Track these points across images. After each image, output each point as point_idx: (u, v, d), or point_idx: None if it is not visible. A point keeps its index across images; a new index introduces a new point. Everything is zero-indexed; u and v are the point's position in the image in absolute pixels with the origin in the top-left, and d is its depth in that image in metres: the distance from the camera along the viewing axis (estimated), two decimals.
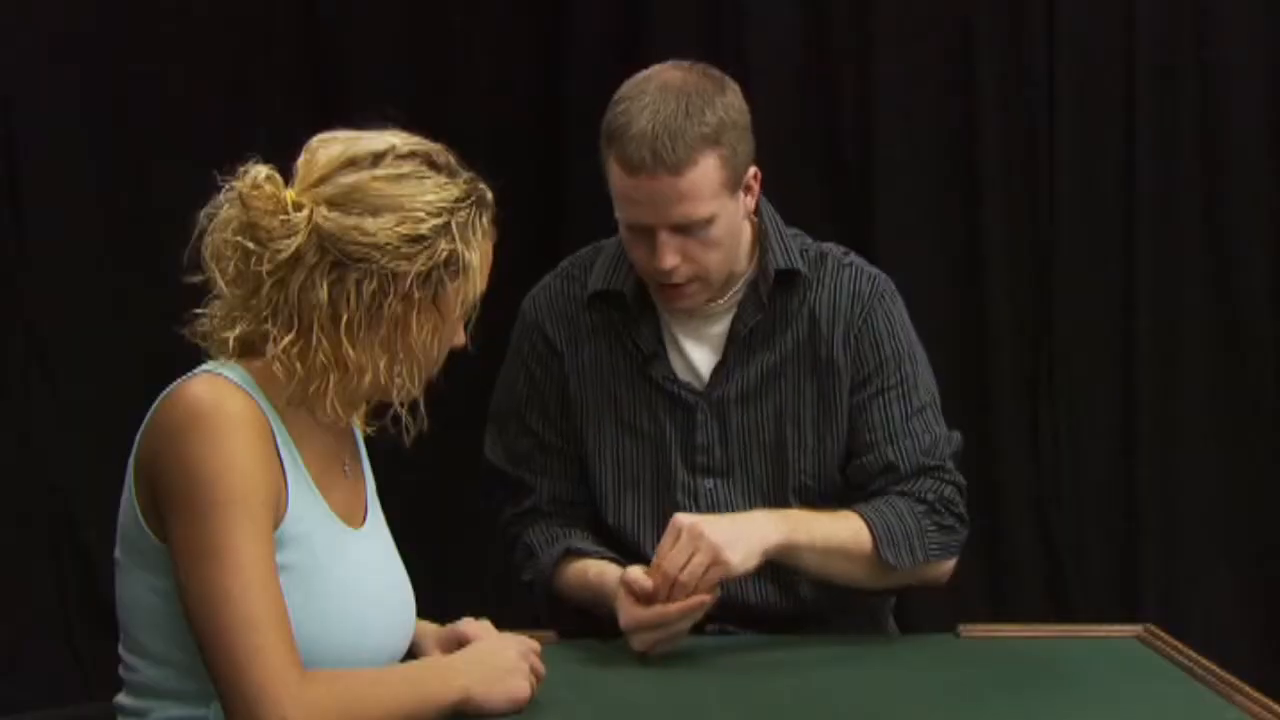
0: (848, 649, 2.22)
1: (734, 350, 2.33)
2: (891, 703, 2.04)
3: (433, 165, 1.83)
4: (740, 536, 2.13)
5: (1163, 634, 2.26)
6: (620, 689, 2.06)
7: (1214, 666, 2.10)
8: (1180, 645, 2.20)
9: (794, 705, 2.02)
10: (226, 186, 1.80)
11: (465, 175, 1.86)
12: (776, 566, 2.23)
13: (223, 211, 1.80)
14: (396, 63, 3.79)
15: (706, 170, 2.20)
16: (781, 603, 2.34)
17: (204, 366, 1.82)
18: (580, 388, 2.38)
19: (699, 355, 2.35)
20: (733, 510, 2.30)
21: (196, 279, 1.82)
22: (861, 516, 2.25)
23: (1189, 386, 3.73)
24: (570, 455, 2.40)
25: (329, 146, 1.82)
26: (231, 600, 1.69)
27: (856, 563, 2.25)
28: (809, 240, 2.40)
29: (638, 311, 2.35)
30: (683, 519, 2.12)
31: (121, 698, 1.85)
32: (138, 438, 1.79)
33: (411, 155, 1.82)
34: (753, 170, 2.28)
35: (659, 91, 2.22)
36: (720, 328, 2.35)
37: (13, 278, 3.60)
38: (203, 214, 1.81)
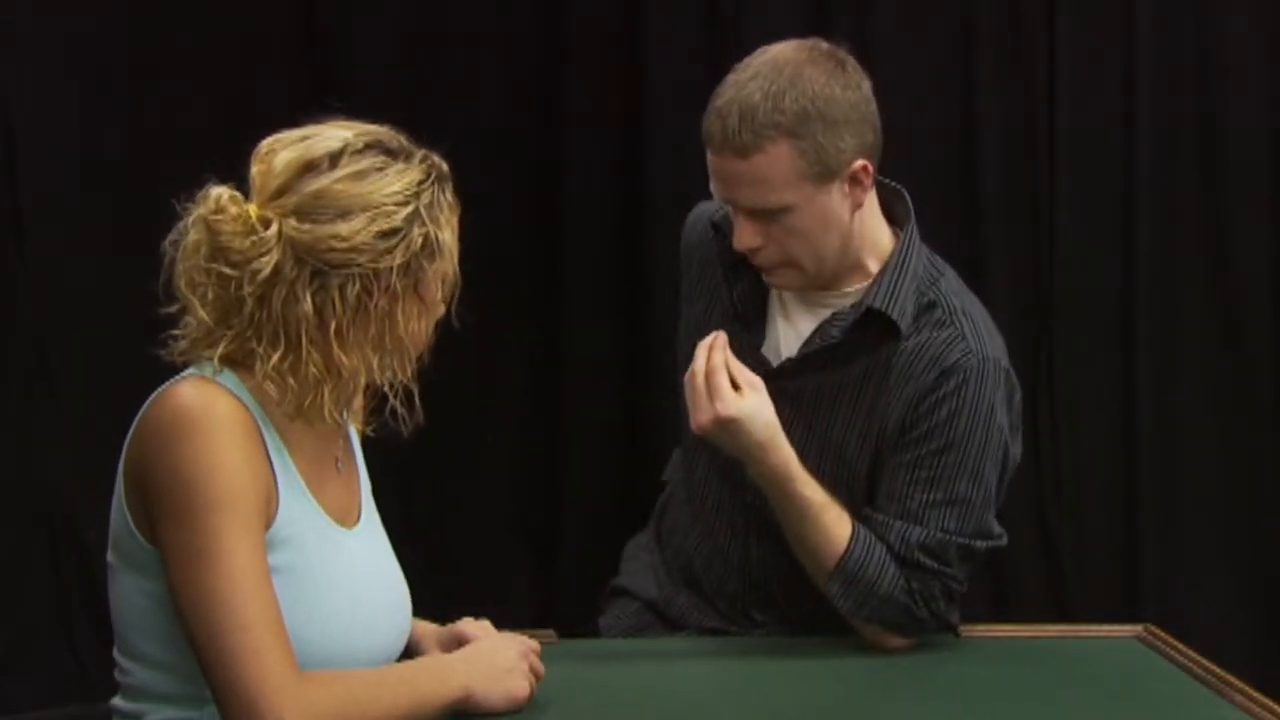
0: (848, 649, 2.22)
1: (804, 357, 2.28)
2: (892, 703, 2.04)
3: (389, 153, 1.81)
4: (759, 416, 2.13)
5: (1163, 634, 2.26)
6: (620, 689, 2.06)
7: (1213, 666, 2.10)
8: (1180, 645, 2.20)
9: (794, 705, 2.02)
10: (188, 211, 1.78)
11: (419, 154, 1.84)
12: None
13: (188, 238, 1.78)
14: (396, 64, 3.79)
15: (776, 158, 2.14)
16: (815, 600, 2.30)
17: (190, 370, 1.81)
18: (690, 299, 2.41)
19: (787, 337, 2.31)
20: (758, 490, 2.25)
21: (173, 309, 1.81)
22: (851, 534, 2.19)
23: (1189, 386, 3.73)
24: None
25: (281, 152, 1.79)
26: (225, 603, 1.69)
27: (809, 557, 2.21)
28: (940, 284, 2.28)
29: (741, 261, 2.30)
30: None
31: (117, 701, 1.85)
32: (127, 441, 1.79)
33: (367, 148, 1.80)
34: (860, 163, 2.18)
35: (761, 67, 2.18)
36: (816, 323, 2.29)
37: (12, 278, 3.60)
38: (167, 243, 1.80)
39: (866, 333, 2.25)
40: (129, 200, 3.61)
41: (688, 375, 2.14)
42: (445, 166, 1.86)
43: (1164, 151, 3.69)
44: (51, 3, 3.61)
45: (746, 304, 2.33)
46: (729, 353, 2.14)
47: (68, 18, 3.60)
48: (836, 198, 2.20)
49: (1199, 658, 2.14)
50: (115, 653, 1.85)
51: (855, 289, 2.27)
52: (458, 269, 1.86)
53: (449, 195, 1.85)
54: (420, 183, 1.81)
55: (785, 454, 2.16)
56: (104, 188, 3.64)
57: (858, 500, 2.23)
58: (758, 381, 2.14)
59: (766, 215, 2.18)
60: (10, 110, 3.59)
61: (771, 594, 2.35)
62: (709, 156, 2.19)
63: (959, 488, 2.20)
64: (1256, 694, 1.99)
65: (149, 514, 1.75)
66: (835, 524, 2.19)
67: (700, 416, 2.12)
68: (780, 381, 2.22)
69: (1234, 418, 3.72)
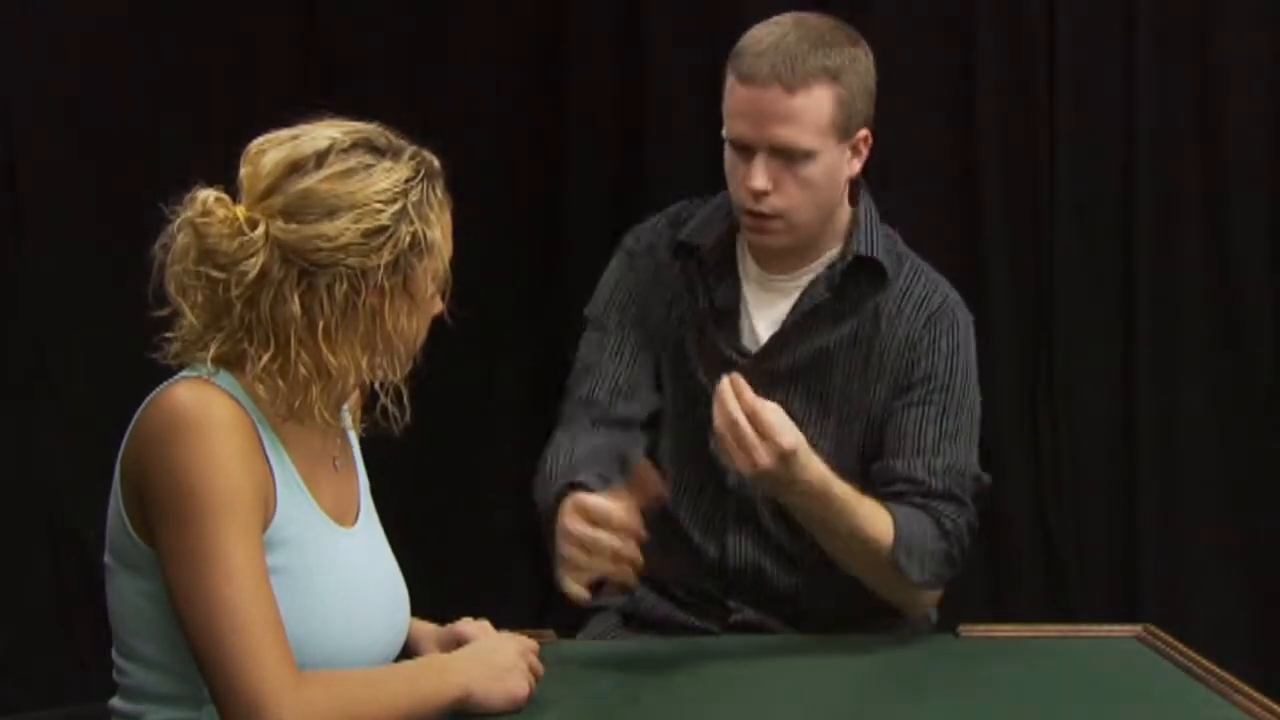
0: (848, 648, 2.22)
1: (794, 324, 2.33)
2: (892, 703, 2.04)
3: (376, 151, 1.80)
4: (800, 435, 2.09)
5: (1163, 634, 2.26)
6: (620, 689, 2.06)
7: (1214, 666, 2.10)
8: (1180, 645, 2.20)
9: (793, 704, 2.02)
10: (176, 215, 1.78)
11: (409, 151, 1.83)
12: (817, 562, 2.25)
13: (177, 241, 1.78)
14: (396, 64, 3.79)
15: (819, 100, 2.22)
16: (820, 599, 2.32)
17: (186, 371, 1.81)
18: (654, 326, 2.40)
19: (763, 323, 2.35)
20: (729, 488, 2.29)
21: (164, 312, 1.80)
22: (889, 512, 2.21)
23: (1189, 386, 3.73)
24: (626, 363, 2.40)
25: (270, 152, 1.79)
26: (224, 605, 1.69)
27: (861, 548, 2.21)
28: (898, 244, 2.39)
29: (715, 264, 2.36)
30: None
31: (115, 701, 1.85)
32: (123, 443, 1.78)
33: (354, 147, 1.79)
34: (864, 133, 2.29)
35: (793, 24, 2.27)
36: (791, 302, 2.34)
37: (12, 278, 3.60)
38: (157, 247, 1.79)
39: (851, 288, 2.32)
40: (129, 201, 3.60)
41: (725, 424, 2.04)
42: (436, 163, 1.85)
43: (1164, 151, 3.69)
44: (51, 3, 3.62)
45: (726, 301, 2.36)
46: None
47: (68, 18, 3.60)
48: (845, 159, 2.28)
49: (1199, 658, 2.14)
50: (113, 653, 1.85)
51: (815, 263, 2.33)
52: (449, 264, 1.85)
53: (439, 192, 1.84)
54: (408, 180, 1.80)
55: (817, 459, 2.15)
56: (104, 188, 3.64)
57: (844, 453, 2.28)
58: (772, 404, 2.09)
59: (787, 157, 2.23)
60: (10, 110, 3.59)
61: (744, 584, 2.37)
62: (738, 95, 2.24)
63: (961, 421, 2.31)
64: (1256, 694, 1.99)
65: (146, 516, 1.75)
66: (872, 509, 2.20)
67: (759, 458, 2.04)
68: (771, 360, 2.23)
69: (1234, 418, 3.72)
